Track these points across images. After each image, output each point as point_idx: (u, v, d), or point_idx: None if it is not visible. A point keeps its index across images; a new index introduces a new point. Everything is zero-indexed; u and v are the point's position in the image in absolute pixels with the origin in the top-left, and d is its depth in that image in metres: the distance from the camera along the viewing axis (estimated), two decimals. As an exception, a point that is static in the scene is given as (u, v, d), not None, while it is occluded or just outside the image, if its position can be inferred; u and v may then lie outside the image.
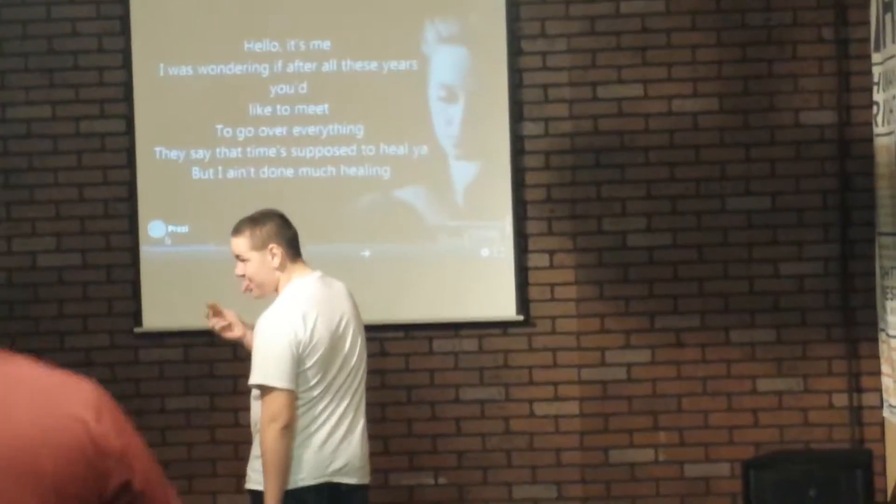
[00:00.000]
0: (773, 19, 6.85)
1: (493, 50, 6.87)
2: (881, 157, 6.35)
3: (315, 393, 4.89)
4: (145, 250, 6.95)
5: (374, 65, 6.91)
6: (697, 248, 6.87)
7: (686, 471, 6.89)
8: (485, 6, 6.88)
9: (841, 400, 6.84)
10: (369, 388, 5.18)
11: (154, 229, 6.96)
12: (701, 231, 6.87)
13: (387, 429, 6.82)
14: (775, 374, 6.85)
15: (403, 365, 6.95)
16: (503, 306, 6.89)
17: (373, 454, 5.19)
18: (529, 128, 6.91)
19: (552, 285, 6.92)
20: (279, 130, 6.93)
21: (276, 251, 4.95)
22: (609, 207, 6.89)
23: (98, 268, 7.01)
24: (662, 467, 6.90)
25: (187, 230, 6.96)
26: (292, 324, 4.84)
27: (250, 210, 5.13)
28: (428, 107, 6.93)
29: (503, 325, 6.91)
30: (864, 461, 6.31)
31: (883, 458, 6.51)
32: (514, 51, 6.89)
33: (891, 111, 6.14)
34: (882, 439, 6.61)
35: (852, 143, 6.82)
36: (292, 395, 4.83)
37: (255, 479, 4.91)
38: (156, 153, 6.94)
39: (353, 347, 5.01)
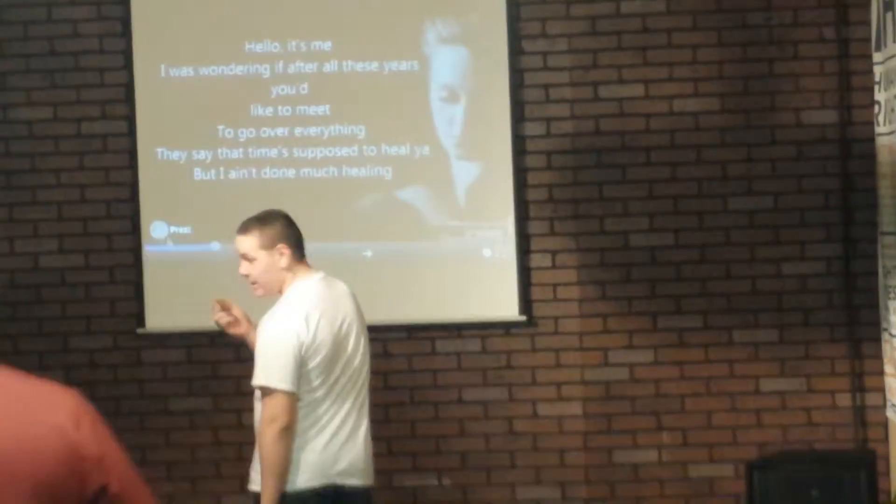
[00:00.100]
0: (773, 19, 6.84)
1: (493, 50, 6.87)
2: (883, 157, 6.35)
3: (318, 394, 4.88)
4: (147, 251, 6.95)
5: (374, 65, 6.91)
6: (700, 248, 6.87)
7: (690, 471, 6.88)
8: (485, 6, 6.88)
9: (844, 400, 6.83)
10: (372, 389, 5.17)
11: (156, 230, 6.96)
12: (703, 231, 6.86)
13: (390, 430, 6.81)
14: (778, 374, 6.85)
15: (406, 366, 6.94)
16: (506, 307, 6.88)
17: (376, 455, 5.18)
18: (531, 128, 6.91)
19: (554, 285, 6.91)
20: (281, 131, 6.93)
21: (285, 251, 4.95)
22: (611, 207, 6.89)
23: (100, 269, 7.01)
24: (666, 468, 6.89)
25: (189, 231, 6.96)
26: (295, 325, 4.84)
27: (252, 211, 5.12)
28: (429, 107, 6.93)
29: (506, 326, 6.91)
30: (867, 461, 6.30)
31: (886, 459, 6.49)
32: (515, 51, 6.88)
33: (892, 110, 6.13)
34: (885, 439, 6.60)
35: (854, 143, 6.81)
36: (293, 397, 4.82)
37: (258, 480, 4.89)
38: (157, 154, 6.95)
39: (356, 349, 5.01)
